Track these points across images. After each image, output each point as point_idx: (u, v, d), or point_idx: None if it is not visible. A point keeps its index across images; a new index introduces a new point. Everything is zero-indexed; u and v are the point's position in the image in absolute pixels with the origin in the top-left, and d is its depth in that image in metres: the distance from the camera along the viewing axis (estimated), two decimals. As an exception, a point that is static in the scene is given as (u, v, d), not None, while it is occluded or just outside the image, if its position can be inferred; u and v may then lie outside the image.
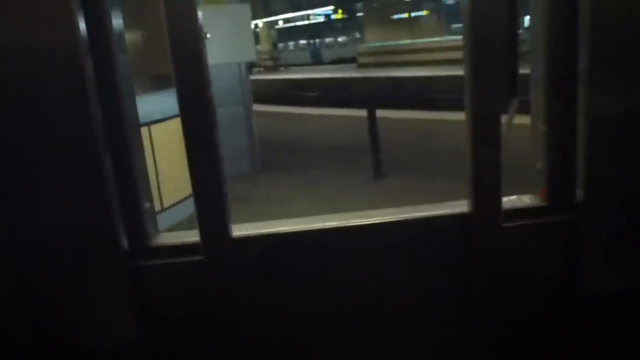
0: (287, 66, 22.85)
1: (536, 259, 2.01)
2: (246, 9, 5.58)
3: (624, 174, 1.85)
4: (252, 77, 7.89)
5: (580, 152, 1.85)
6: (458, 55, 15.80)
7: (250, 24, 5.66)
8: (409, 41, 18.30)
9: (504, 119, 2.63)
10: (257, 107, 6.72)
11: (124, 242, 1.76)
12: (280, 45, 27.84)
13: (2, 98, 1.64)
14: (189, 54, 1.72)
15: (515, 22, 2.26)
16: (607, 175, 1.87)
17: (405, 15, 21.66)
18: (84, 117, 1.64)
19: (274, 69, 22.00)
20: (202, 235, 1.78)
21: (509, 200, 2.08)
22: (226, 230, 1.84)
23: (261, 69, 21.06)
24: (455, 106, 8.61)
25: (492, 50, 1.75)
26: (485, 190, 1.91)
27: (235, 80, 5.63)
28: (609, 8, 1.68)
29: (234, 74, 5.60)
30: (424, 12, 21.38)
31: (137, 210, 1.80)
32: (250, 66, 5.94)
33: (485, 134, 1.84)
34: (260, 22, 23.84)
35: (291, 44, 28.20)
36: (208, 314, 1.87)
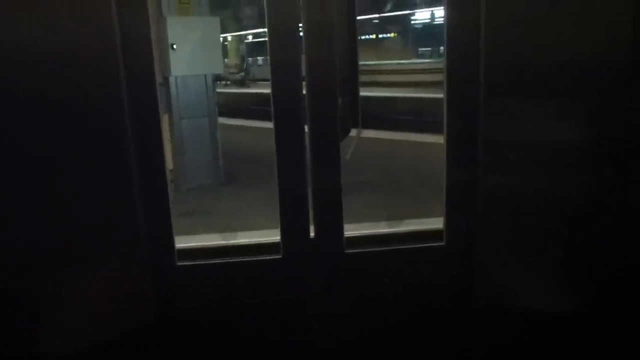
0: (256, 80, 22.82)
1: (380, 287, 2.01)
2: (215, 21, 5.57)
3: (515, 199, 1.90)
4: (219, 90, 7.87)
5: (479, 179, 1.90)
6: (423, 78, 16.19)
7: (219, 36, 5.65)
8: (375, 62, 18.61)
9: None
10: (222, 120, 6.69)
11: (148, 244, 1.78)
12: (249, 60, 27.85)
13: (35, 94, 1.61)
14: (288, 71, 1.76)
15: (356, 64, 2.41)
16: (500, 200, 1.91)
17: (373, 36, 22.07)
18: (117, 114, 1.64)
19: (242, 83, 21.92)
20: (283, 235, 1.86)
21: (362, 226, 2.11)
22: (306, 231, 1.84)
23: (228, 82, 20.95)
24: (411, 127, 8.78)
25: (330, 87, 1.81)
26: (326, 216, 1.93)
27: (201, 93, 5.59)
28: (499, 49, 1.78)
29: (200, 86, 5.57)
30: (391, 35, 21.84)
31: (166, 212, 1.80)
32: (216, 79, 5.91)
33: (325, 162, 1.86)
34: (229, 36, 23.81)
35: (260, 58, 28.23)
36: (286, 307, 1.93)
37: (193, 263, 1.85)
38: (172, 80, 5.33)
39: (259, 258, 1.89)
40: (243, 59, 24.25)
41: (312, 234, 1.90)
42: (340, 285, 1.92)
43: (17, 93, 1.58)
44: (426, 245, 1.94)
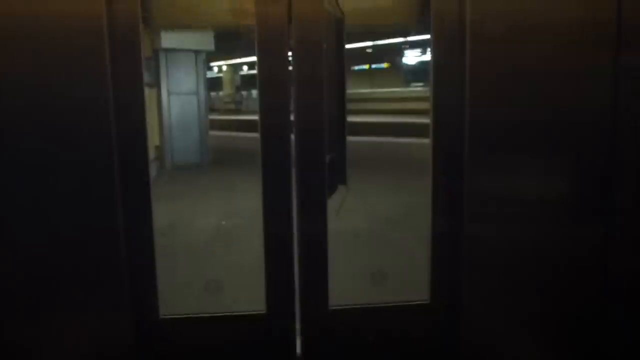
0: (248, 112, 23.02)
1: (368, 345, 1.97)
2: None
3: (501, 256, 1.87)
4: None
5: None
6: (413, 105, 16.42)
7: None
8: (368, 90, 18.86)
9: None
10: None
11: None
12: (244, 92, 28.22)
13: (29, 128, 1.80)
14: (278, 135, 1.79)
15: (344, 121, 2.37)
16: (485, 257, 1.89)
17: (366, 66, 22.46)
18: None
19: (236, 112, 22.09)
20: (268, 290, 1.88)
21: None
22: (291, 287, 1.91)
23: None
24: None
25: (319, 147, 1.85)
26: (312, 271, 1.90)
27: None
28: (483, 106, 1.85)
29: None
30: (384, 65, 22.26)
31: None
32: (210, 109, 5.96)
33: (311, 217, 1.86)
34: (224, 66, 24.19)
35: (254, 91, 28.51)
36: None
37: (176, 316, 1.83)
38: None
39: (242, 313, 1.91)
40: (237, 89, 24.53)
41: (297, 290, 1.91)
42: (325, 340, 1.89)
43: None
44: (411, 303, 1.96)
